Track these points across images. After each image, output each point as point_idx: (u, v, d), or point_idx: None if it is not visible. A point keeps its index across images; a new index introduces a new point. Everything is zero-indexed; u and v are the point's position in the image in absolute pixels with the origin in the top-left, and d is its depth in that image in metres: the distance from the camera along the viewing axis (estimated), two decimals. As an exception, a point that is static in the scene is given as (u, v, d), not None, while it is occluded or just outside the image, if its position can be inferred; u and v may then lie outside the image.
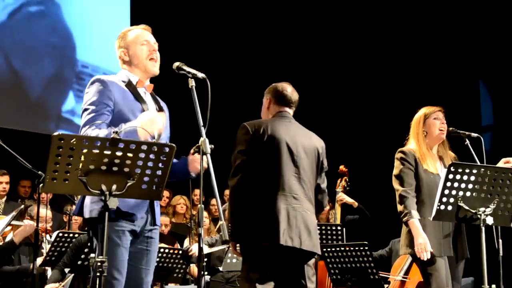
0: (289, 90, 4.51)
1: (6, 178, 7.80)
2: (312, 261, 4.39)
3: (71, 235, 5.90)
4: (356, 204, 6.86)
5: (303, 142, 4.36)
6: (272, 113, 4.47)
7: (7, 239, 5.75)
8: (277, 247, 4.10)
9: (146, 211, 3.61)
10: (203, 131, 3.50)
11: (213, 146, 3.47)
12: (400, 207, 4.61)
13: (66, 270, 5.84)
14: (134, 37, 3.75)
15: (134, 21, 9.89)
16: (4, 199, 7.84)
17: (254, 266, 4.18)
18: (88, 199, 3.55)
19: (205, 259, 6.63)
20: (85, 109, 3.57)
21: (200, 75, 3.58)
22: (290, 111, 4.49)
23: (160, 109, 3.75)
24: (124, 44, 3.76)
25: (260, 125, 4.30)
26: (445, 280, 4.50)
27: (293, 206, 4.19)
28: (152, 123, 3.48)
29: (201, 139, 3.46)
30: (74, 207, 6.28)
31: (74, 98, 9.53)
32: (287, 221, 4.13)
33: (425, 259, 4.46)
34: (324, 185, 4.50)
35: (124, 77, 3.73)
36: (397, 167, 4.70)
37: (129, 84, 3.69)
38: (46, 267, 6.03)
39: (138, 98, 3.68)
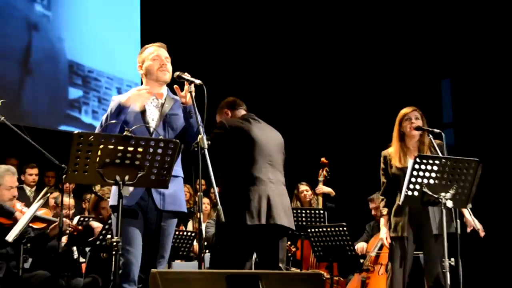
0: (236, 99, 4.68)
1: (35, 170, 7.87)
2: (286, 243, 4.46)
3: (90, 219, 5.91)
4: (333, 193, 6.88)
5: (273, 137, 4.49)
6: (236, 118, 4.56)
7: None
8: (260, 226, 4.13)
9: (146, 198, 3.67)
10: (201, 129, 3.53)
11: (210, 142, 3.49)
12: None
13: (87, 249, 5.86)
14: (148, 54, 3.85)
15: (144, 33, 9.96)
16: (34, 188, 7.89)
17: (237, 246, 4.19)
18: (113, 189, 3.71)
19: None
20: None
21: (197, 81, 3.61)
22: (246, 112, 4.59)
23: (163, 114, 3.80)
24: (140, 59, 3.87)
25: (237, 124, 4.37)
26: (396, 257, 4.65)
27: (271, 188, 4.24)
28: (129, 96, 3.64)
29: (199, 136, 3.47)
30: (92, 196, 6.29)
31: (81, 99, 9.57)
32: (267, 202, 4.17)
33: (386, 247, 4.81)
34: None
35: None
36: None
37: None
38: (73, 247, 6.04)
39: (141, 108, 3.76)
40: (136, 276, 3.58)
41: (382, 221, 4.82)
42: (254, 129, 4.37)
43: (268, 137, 4.42)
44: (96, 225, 5.51)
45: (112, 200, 3.70)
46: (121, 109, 3.64)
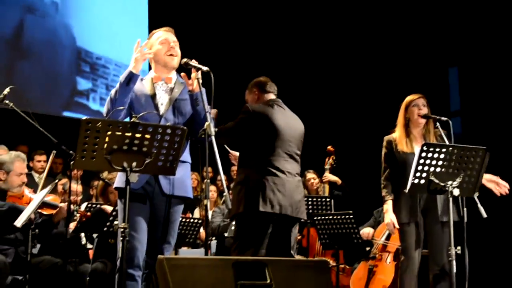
0: (269, 80, 4.62)
1: (43, 157, 7.84)
2: (296, 230, 4.46)
3: (97, 205, 5.92)
4: (339, 181, 6.86)
5: (294, 126, 4.48)
6: (262, 102, 4.52)
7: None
8: (273, 214, 4.15)
9: (153, 183, 3.64)
10: (208, 116, 3.52)
11: (217, 129, 3.48)
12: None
13: (94, 235, 5.87)
14: (156, 38, 3.82)
15: (151, 20, 9.94)
16: (42, 175, 7.88)
17: (252, 233, 4.21)
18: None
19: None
20: None
21: (205, 68, 3.60)
22: (275, 97, 4.55)
23: (172, 99, 3.77)
24: (148, 45, 3.80)
25: (262, 111, 4.32)
26: (412, 243, 4.57)
27: (287, 179, 4.25)
28: (137, 62, 3.61)
29: (207, 123, 3.46)
30: (100, 182, 6.30)
31: (90, 86, 9.64)
32: (282, 192, 4.18)
33: (392, 234, 4.68)
34: None
35: (151, 74, 3.83)
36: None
37: (150, 80, 3.78)
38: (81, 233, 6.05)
39: (151, 91, 3.75)
40: (141, 262, 3.58)
41: (386, 207, 4.72)
42: (277, 116, 4.35)
43: (290, 126, 4.42)
44: (110, 209, 5.53)
45: (119, 182, 3.67)
46: (131, 76, 3.60)
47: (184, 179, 3.72)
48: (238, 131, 4.32)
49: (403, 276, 4.59)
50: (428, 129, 4.78)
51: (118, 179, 3.70)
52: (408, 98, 4.81)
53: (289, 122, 4.42)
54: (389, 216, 4.68)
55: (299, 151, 4.49)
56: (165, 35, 3.82)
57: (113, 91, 3.64)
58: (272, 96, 4.54)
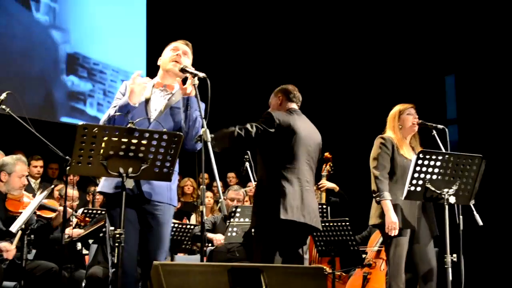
0: (296, 90, 4.66)
1: (40, 163, 7.84)
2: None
3: (94, 211, 5.91)
4: (337, 188, 6.85)
5: (313, 135, 4.50)
6: (284, 108, 4.54)
7: None
8: (291, 222, 4.15)
9: (135, 189, 3.56)
10: (204, 122, 3.51)
11: (213, 135, 3.47)
12: (374, 187, 4.61)
13: (90, 241, 5.86)
14: (169, 46, 3.84)
15: (149, 26, 9.96)
16: (38, 181, 7.88)
17: (270, 239, 4.21)
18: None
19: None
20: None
21: (201, 74, 3.59)
22: (297, 107, 4.58)
23: (168, 105, 3.75)
24: (162, 54, 3.85)
25: (285, 119, 4.36)
26: (403, 252, 4.52)
27: (306, 188, 4.27)
28: (132, 94, 3.55)
29: (202, 129, 3.46)
30: (97, 188, 6.28)
31: (87, 91, 9.65)
32: (301, 200, 4.19)
33: (393, 235, 4.48)
34: None
35: (155, 80, 3.83)
36: (375, 150, 4.69)
37: (151, 85, 3.77)
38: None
39: (147, 95, 3.73)
40: (131, 270, 3.51)
41: (387, 206, 4.49)
42: (298, 123, 4.37)
43: (310, 135, 4.45)
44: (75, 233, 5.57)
45: (104, 187, 3.63)
46: (129, 108, 3.54)
47: (169, 185, 3.66)
48: (258, 135, 4.29)
49: (392, 283, 4.56)
50: (416, 140, 4.80)
51: (103, 183, 3.65)
52: (401, 107, 4.80)
53: (309, 130, 4.45)
54: (392, 215, 4.46)
55: (317, 161, 4.50)
56: (177, 44, 3.83)
57: (112, 111, 3.59)
58: (294, 105, 4.56)
